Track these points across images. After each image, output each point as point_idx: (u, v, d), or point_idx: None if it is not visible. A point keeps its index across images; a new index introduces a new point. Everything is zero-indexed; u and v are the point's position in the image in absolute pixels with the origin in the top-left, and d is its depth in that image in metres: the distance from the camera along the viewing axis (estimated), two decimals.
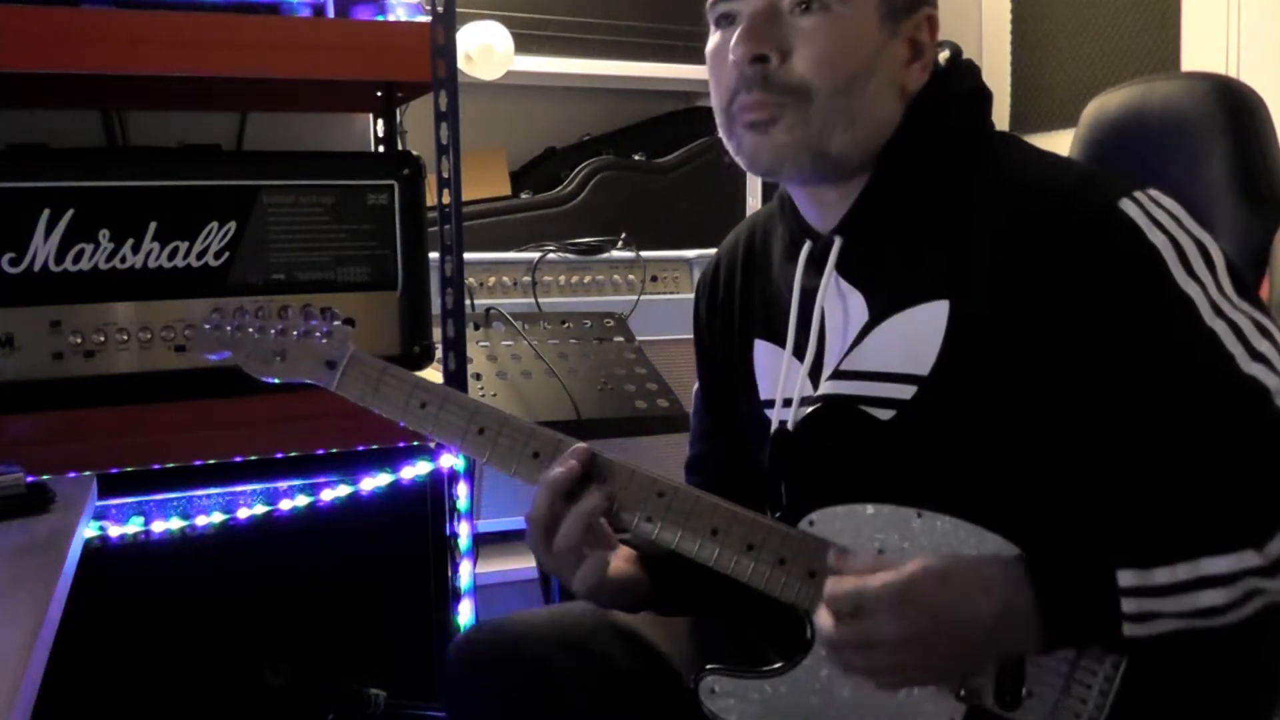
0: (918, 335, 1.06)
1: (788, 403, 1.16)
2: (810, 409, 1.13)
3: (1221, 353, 0.97)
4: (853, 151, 1.08)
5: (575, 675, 1.18)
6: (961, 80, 1.13)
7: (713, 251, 2.76)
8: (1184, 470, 0.98)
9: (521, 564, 2.83)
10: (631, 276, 2.64)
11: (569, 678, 1.18)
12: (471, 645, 1.24)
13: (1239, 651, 0.99)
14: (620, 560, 1.18)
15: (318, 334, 1.21)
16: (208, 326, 1.26)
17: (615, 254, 2.63)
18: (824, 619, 1.01)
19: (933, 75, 1.12)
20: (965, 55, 1.15)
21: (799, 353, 1.16)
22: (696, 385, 1.36)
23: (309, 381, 1.22)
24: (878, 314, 1.09)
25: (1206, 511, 0.96)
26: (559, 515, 1.09)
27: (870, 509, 1.05)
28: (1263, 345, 0.97)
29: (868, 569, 0.99)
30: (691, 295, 2.68)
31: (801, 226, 1.17)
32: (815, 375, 1.15)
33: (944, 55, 1.14)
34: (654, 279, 2.65)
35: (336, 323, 1.22)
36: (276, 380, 1.24)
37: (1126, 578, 0.94)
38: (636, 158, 2.99)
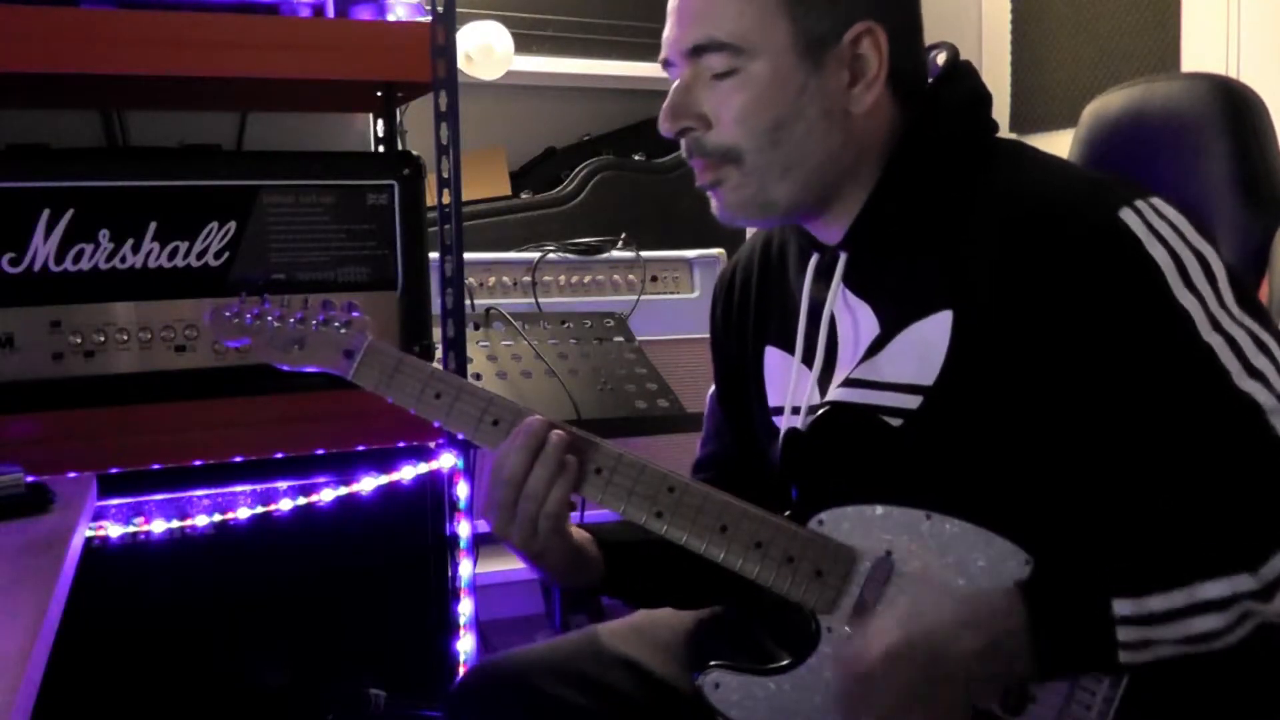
0: (925, 346, 1.06)
1: (795, 410, 1.16)
2: (821, 411, 1.13)
3: (1216, 368, 0.96)
4: (801, 194, 1.10)
5: (576, 706, 1.19)
6: (959, 84, 1.12)
7: (714, 251, 2.76)
8: (1177, 489, 0.98)
9: (521, 564, 2.83)
10: (631, 276, 2.64)
11: (570, 709, 1.19)
12: (472, 685, 1.26)
13: (1244, 658, 0.98)
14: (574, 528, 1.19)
15: (336, 323, 1.23)
16: (228, 313, 1.27)
17: (615, 254, 2.63)
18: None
19: (933, 81, 1.11)
20: (965, 55, 1.15)
21: (808, 362, 1.16)
22: (712, 388, 1.37)
23: (326, 370, 1.23)
24: (888, 327, 1.09)
25: (1199, 535, 0.96)
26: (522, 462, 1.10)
27: (879, 510, 1.05)
28: (1260, 361, 0.97)
29: (857, 646, 1.00)
30: (692, 295, 2.72)
31: (809, 238, 1.17)
32: (824, 385, 1.15)
33: (941, 58, 1.13)
34: (654, 279, 2.65)
35: (355, 314, 1.24)
36: (292, 368, 1.25)
37: (1122, 607, 0.94)
38: (636, 158, 3.00)
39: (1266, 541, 0.93)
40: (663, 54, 1.12)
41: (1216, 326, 0.97)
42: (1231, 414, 0.95)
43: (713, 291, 1.35)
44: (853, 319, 1.13)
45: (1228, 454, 0.96)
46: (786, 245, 1.25)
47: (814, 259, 1.17)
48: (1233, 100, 1.54)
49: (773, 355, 1.23)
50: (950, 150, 1.09)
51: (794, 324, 1.18)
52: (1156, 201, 1.01)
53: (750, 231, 1.44)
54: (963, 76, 1.13)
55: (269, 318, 1.26)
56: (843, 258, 1.13)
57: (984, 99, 1.13)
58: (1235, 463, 0.96)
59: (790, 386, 1.18)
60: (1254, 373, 0.96)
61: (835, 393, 1.12)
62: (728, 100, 1.07)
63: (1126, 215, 0.99)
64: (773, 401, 1.22)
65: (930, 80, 1.12)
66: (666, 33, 1.11)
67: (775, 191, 1.09)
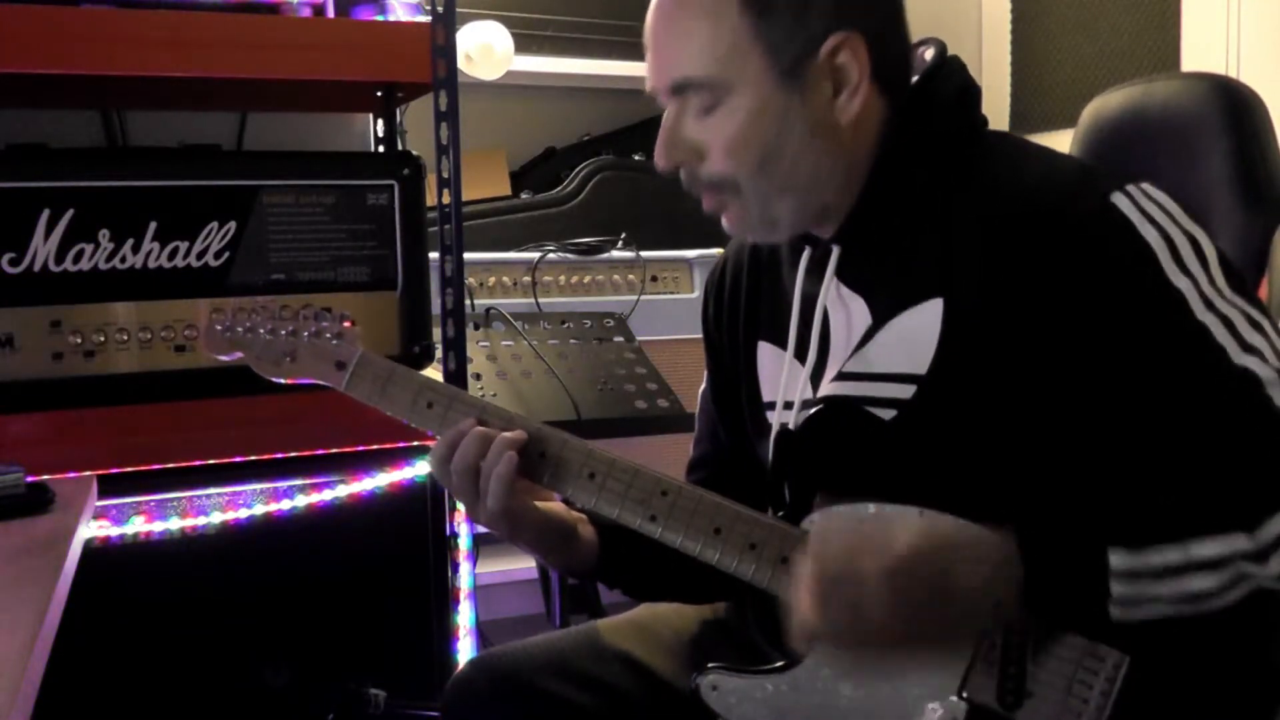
0: (916, 335, 1.06)
1: (788, 405, 1.16)
2: (813, 410, 1.13)
3: (1213, 346, 0.97)
4: (803, 209, 1.11)
5: (576, 703, 1.20)
6: (948, 79, 1.12)
7: (714, 251, 2.76)
8: (1177, 458, 0.98)
9: (521, 564, 2.83)
10: (631, 276, 2.64)
11: (570, 706, 1.19)
12: (470, 680, 1.26)
13: (1241, 652, 0.99)
14: (555, 505, 1.19)
15: (328, 335, 1.22)
16: (219, 328, 1.27)
17: (615, 254, 2.63)
18: (801, 601, 0.98)
19: (921, 77, 1.11)
20: (965, 55, 1.15)
21: (800, 356, 1.16)
22: (704, 384, 1.37)
23: (318, 382, 1.23)
24: (880, 317, 1.10)
25: (1198, 496, 0.96)
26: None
27: (872, 508, 1.05)
28: (1254, 338, 0.97)
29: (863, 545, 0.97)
30: (692, 295, 2.72)
31: (802, 232, 1.17)
32: (816, 379, 1.15)
33: (929, 54, 1.13)
34: (654, 279, 2.65)
35: (346, 324, 1.23)
36: (286, 380, 1.25)
37: (1118, 560, 0.94)
38: (636, 158, 3.00)
39: (1264, 504, 0.94)
40: (647, 85, 1.12)
41: (1210, 306, 0.98)
42: (1230, 388, 0.96)
43: (704, 288, 1.35)
44: (845, 312, 1.13)
45: (1228, 425, 0.96)
46: None
47: (806, 253, 1.17)
48: (1233, 100, 1.54)
49: (765, 350, 1.23)
50: (939, 143, 1.10)
51: (786, 318, 1.18)
52: (1146, 186, 1.02)
53: None
54: (951, 71, 1.13)
55: (260, 330, 1.25)
56: (835, 251, 1.13)
57: (972, 93, 1.13)
58: (1235, 432, 0.96)
59: (783, 381, 1.18)
60: (1249, 349, 0.97)
61: (830, 387, 1.12)
62: (715, 134, 1.07)
63: (1118, 199, 1.00)
64: (766, 397, 1.22)
65: (918, 76, 1.12)
66: (646, 64, 1.11)
67: (776, 210, 1.10)
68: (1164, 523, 0.95)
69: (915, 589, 0.95)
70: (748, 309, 1.26)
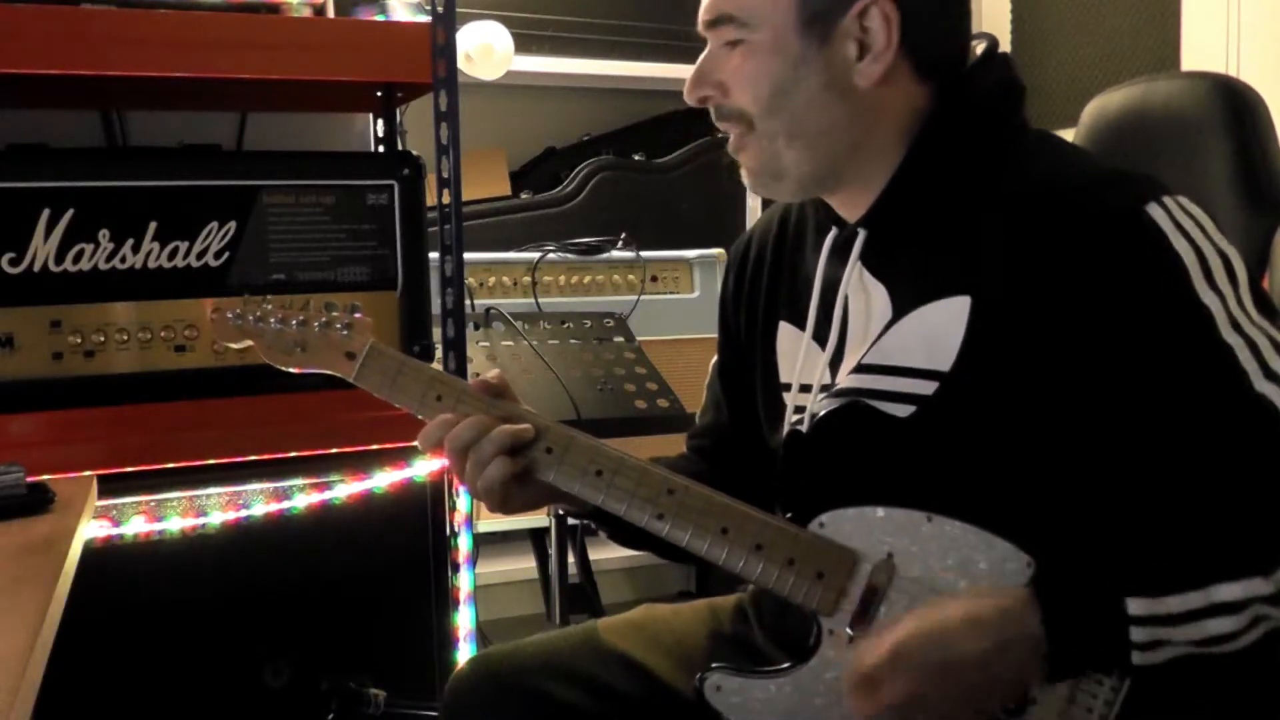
0: (939, 330, 1.05)
1: (805, 388, 1.16)
2: (825, 410, 1.12)
3: (1235, 368, 0.96)
4: (810, 164, 1.11)
5: (574, 704, 1.20)
6: (991, 73, 1.12)
7: (714, 251, 2.76)
8: (1192, 490, 0.98)
9: (521, 564, 2.83)
10: (631, 276, 2.64)
11: (568, 707, 1.19)
12: (469, 680, 1.25)
13: (1247, 660, 0.98)
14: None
15: (338, 326, 1.23)
16: (231, 316, 1.27)
17: (615, 254, 2.63)
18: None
19: (967, 68, 1.11)
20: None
21: (820, 339, 1.16)
22: (715, 358, 1.37)
23: (328, 373, 1.23)
24: (901, 309, 1.09)
25: (1215, 538, 0.96)
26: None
27: (881, 512, 1.05)
28: (1278, 364, 0.96)
29: (865, 645, 1.00)
30: (692, 295, 2.72)
31: (828, 213, 1.17)
32: (835, 365, 1.14)
33: (980, 48, 1.13)
34: (654, 279, 2.65)
35: (357, 315, 1.23)
36: (296, 370, 1.25)
37: (1136, 606, 0.94)
38: (636, 158, 3.00)
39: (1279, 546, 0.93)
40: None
41: (1236, 327, 0.97)
42: (1248, 416, 0.95)
43: (726, 263, 1.35)
44: (866, 299, 1.12)
45: (1243, 456, 0.95)
46: (805, 221, 1.24)
47: (831, 234, 1.17)
48: (1233, 99, 1.54)
49: (785, 331, 1.22)
50: (977, 136, 1.09)
51: (807, 300, 1.18)
52: (1183, 200, 1.01)
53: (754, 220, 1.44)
54: (996, 66, 1.12)
55: (271, 320, 1.26)
56: (861, 235, 1.13)
57: (1016, 89, 1.12)
58: (1250, 466, 0.95)
59: (799, 364, 1.17)
60: (1271, 375, 0.96)
61: (849, 379, 1.12)
62: (736, 68, 1.10)
63: (1153, 209, 0.99)
64: (783, 377, 1.21)
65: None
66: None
67: (785, 159, 1.10)
68: (1182, 568, 0.95)
69: (923, 667, 0.96)
70: (770, 287, 1.26)
